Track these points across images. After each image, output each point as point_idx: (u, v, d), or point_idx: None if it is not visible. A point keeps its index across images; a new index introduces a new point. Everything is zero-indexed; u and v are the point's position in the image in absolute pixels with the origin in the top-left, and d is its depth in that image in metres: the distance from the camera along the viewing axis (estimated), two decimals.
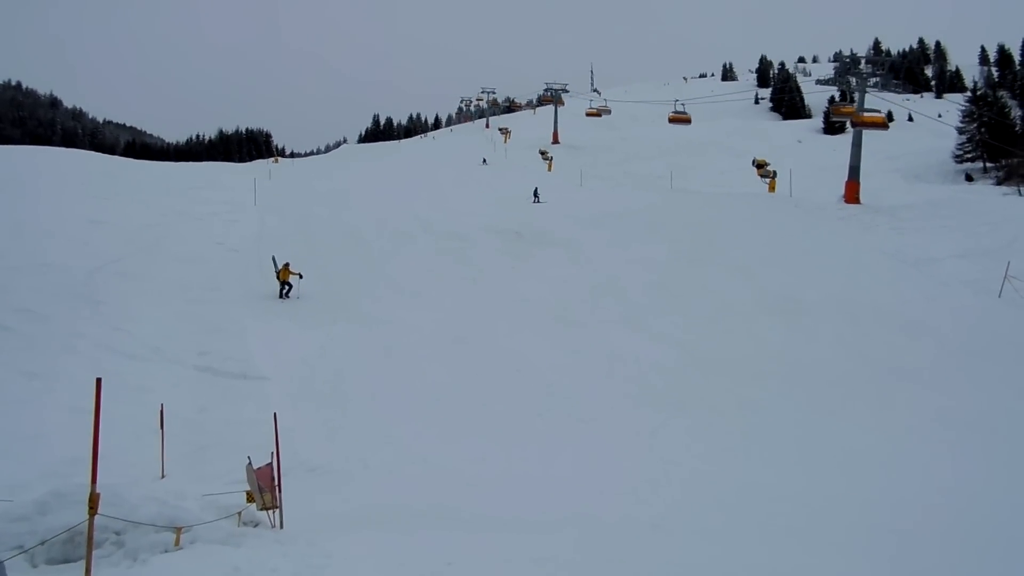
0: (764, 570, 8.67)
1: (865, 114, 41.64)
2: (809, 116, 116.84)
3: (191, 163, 64.12)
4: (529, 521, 10.44)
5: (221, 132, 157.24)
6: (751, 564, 8.86)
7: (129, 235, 26.56)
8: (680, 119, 56.43)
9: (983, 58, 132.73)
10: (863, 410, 17.47)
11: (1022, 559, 9.68)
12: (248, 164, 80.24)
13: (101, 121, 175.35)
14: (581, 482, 12.91)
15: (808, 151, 79.53)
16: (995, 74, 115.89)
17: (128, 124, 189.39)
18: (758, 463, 14.29)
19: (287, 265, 23.53)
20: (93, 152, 61.83)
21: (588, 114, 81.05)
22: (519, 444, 14.95)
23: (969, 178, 68.42)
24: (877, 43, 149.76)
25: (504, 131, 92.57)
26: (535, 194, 41.83)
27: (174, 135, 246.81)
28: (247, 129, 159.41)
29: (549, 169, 64.68)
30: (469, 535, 9.33)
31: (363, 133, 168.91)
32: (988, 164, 70.06)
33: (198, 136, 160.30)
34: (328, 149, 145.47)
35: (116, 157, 60.71)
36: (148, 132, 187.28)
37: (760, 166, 52.91)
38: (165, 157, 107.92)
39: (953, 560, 9.46)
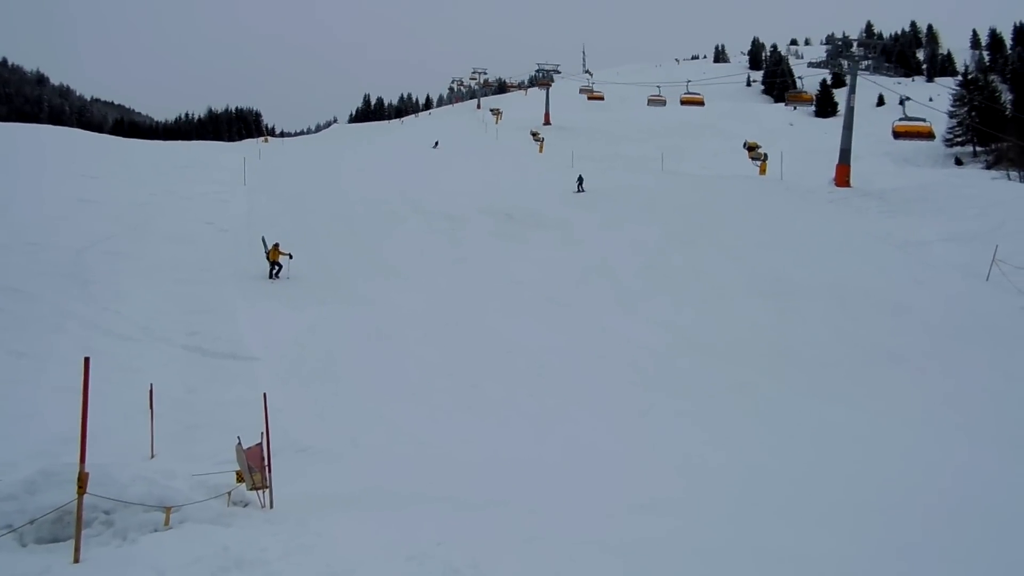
0: (754, 549, 8.73)
1: (907, 123, 37.84)
2: None
3: (180, 142, 63.67)
4: (519, 501, 10.48)
5: (210, 111, 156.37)
6: (740, 543, 8.92)
7: (118, 214, 26.41)
8: (693, 100, 55.65)
9: (974, 42, 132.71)
10: (852, 392, 17.59)
11: (1011, 538, 9.78)
12: (238, 143, 79.69)
13: (89, 99, 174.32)
14: (571, 463, 12.96)
15: (799, 134, 79.53)
16: (986, 58, 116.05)
17: (116, 102, 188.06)
18: (749, 444, 14.37)
19: (277, 245, 23.43)
20: (81, 130, 61.29)
21: (590, 97, 78.97)
22: (510, 425, 14.99)
23: (959, 162, 68.66)
24: (869, 26, 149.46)
25: (495, 112, 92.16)
26: (579, 183, 39.43)
27: (163, 114, 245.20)
28: (237, 108, 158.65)
29: (540, 151, 64.48)
30: (459, 515, 9.36)
31: (354, 113, 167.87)
32: (978, 148, 70.31)
33: (187, 115, 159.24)
34: (318, 129, 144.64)
35: (104, 135, 60.15)
36: (137, 110, 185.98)
37: (751, 149, 52.89)
38: (154, 136, 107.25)
39: (943, 539, 9.56)
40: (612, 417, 15.66)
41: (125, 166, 35.10)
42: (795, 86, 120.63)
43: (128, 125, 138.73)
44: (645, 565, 7.92)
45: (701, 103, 56.30)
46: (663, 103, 63.06)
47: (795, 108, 58.95)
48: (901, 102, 39.70)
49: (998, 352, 20.08)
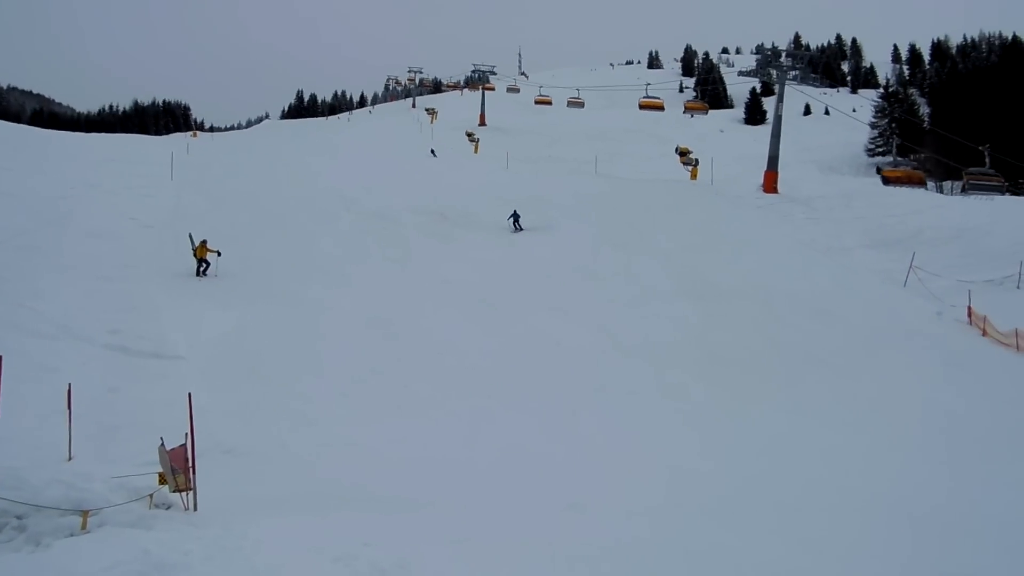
0: (683, 548, 8.90)
1: (898, 170, 34.99)
2: (731, 106, 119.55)
3: (104, 135, 61.49)
4: (448, 501, 10.48)
5: (136, 103, 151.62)
6: (667, 542, 9.08)
7: (35, 208, 25.41)
8: (652, 105, 54.46)
9: (895, 56, 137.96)
10: (777, 393, 18.07)
11: (930, 535, 10.17)
12: (165, 137, 77.60)
13: (5, 87, 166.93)
14: (501, 464, 13.01)
15: (729, 140, 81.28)
16: (906, 72, 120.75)
17: (35, 91, 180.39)
18: (676, 445, 14.65)
19: (204, 242, 22.87)
20: None
21: (538, 101, 77.70)
22: (439, 426, 14.96)
23: (880, 171, 71.21)
24: (797, 37, 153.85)
25: (431, 112, 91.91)
26: (515, 221, 31.89)
27: (85, 105, 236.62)
28: (164, 101, 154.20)
29: (475, 151, 64.55)
30: (387, 516, 9.31)
31: (286, 109, 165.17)
32: (898, 159, 72.91)
33: (111, 107, 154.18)
34: (249, 124, 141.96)
35: (21, 125, 57.83)
36: (57, 100, 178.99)
37: (683, 154, 53.82)
38: (76, 128, 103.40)
39: (856, 536, 9.90)
40: (541, 418, 15.76)
41: (44, 158, 33.78)
42: (726, 94, 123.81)
43: (48, 115, 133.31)
44: (571, 563, 8.00)
45: (661, 108, 55.09)
46: (581, 105, 66.07)
47: (692, 116, 59.90)
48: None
49: (914, 355, 20.89)
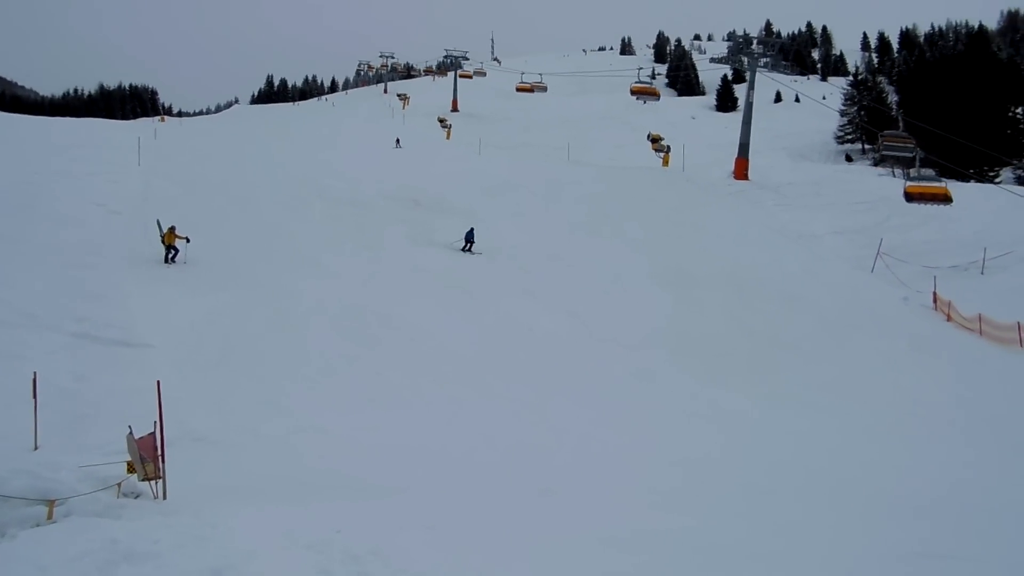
0: (647, 530, 8.98)
1: (922, 184, 29.62)
2: (703, 93, 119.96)
3: (69, 119, 60.32)
4: (422, 488, 10.48)
5: (102, 87, 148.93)
6: (634, 525, 9.16)
7: None
8: (645, 90, 52.79)
9: (865, 44, 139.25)
10: (746, 378, 18.28)
11: (886, 512, 10.35)
12: (132, 122, 76.27)
13: None
14: (473, 450, 13.04)
15: (701, 127, 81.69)
16: (875, 60, 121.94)
17: None
18: (646, 429, 14.76)
19: (173, 228, 22.54)
20: None
21: (519, 89, 75.94)
22: (415, 413, 14.94)
23: (849, 159, 71.96)
24: (768, 25, 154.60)
25: (403, 97, 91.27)
26: (468, 239, 27.74)
27: (49, 88, 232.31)
28: (131, 85, 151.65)
29: (448, 137, 64.27)
30: (361, 503, 9.29)
31: (256, 94, 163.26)
32: (866, 146, 73.76)
33: (76, 90, 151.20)
34: (219, 109, 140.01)
35: None
36: (19, 83, 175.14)
37: (655, 141, 53.88)
38: (39, 112, 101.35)
39: (824, 518, 10.05)
40: (515, 405, 15.81)
41: (5, 142, 33.12)
42: (698, 80, 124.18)
43: (10, 99, 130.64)
44: (544, 547, 8.04)
45: (655, 94, 53.32)
46: (544, 89, 73.68)
47: (645, 102, 58.85)
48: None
49: (880, 340, 21.23)
